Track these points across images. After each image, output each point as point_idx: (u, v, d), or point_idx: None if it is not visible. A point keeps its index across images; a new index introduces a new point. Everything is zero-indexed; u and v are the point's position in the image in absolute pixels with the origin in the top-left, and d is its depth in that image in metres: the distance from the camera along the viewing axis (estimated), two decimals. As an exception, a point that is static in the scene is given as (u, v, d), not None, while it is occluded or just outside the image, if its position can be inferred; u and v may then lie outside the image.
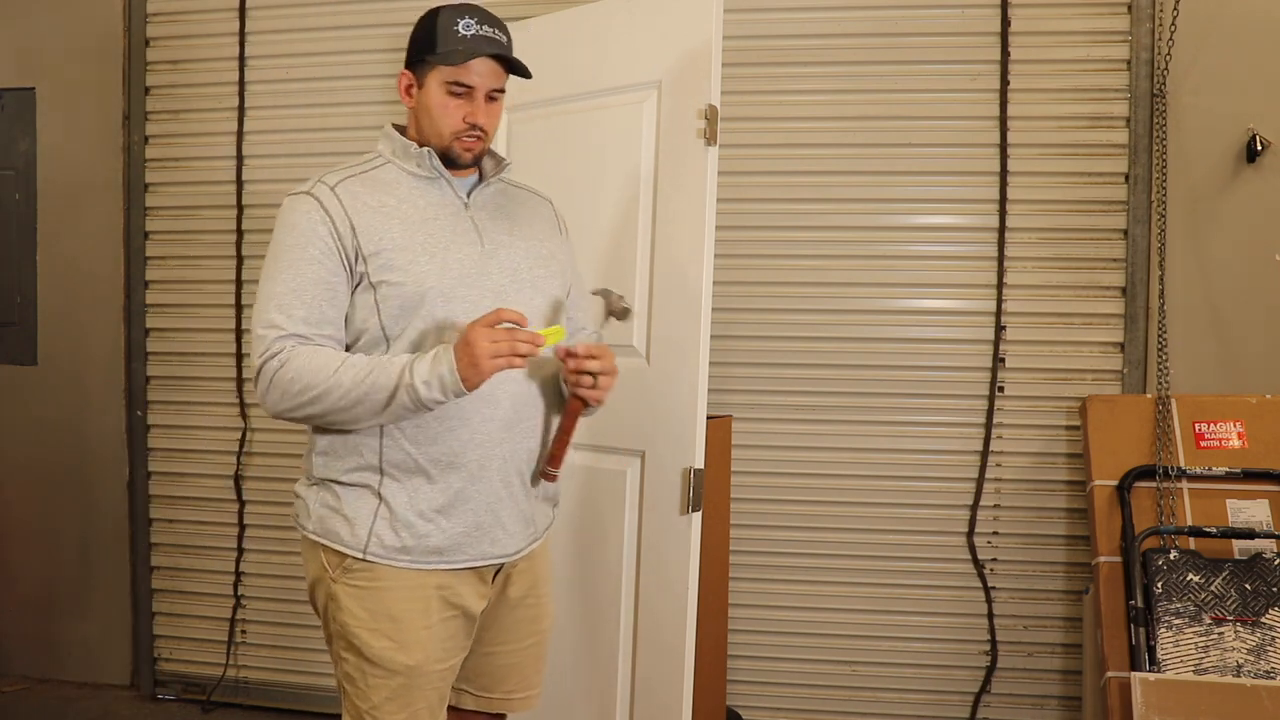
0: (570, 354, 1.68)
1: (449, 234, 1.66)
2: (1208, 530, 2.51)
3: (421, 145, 1.69)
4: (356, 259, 1.60)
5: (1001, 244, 2.89)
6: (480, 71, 1.64)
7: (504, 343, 1.50)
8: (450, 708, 1.79)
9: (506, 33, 1.69)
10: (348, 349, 1.64)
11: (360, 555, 1.62)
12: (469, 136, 1.66)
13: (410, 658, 1.62)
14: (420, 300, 1.60)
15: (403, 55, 1.73)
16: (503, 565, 1.74)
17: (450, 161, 1.68)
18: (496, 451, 1.65)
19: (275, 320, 1.56)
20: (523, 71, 1.70)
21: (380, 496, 1.62)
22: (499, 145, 2.56)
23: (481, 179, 1.76)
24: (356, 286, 1.62)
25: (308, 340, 1.57)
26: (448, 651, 1.67)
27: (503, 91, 1.70)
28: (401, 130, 1.73)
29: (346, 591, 1.64)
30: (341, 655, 1.67)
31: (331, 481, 1.65)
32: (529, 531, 1.75)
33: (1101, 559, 2.57)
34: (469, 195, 1.72)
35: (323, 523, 1.65)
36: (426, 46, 1.66)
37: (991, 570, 2.93)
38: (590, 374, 1.67)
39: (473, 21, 1.63)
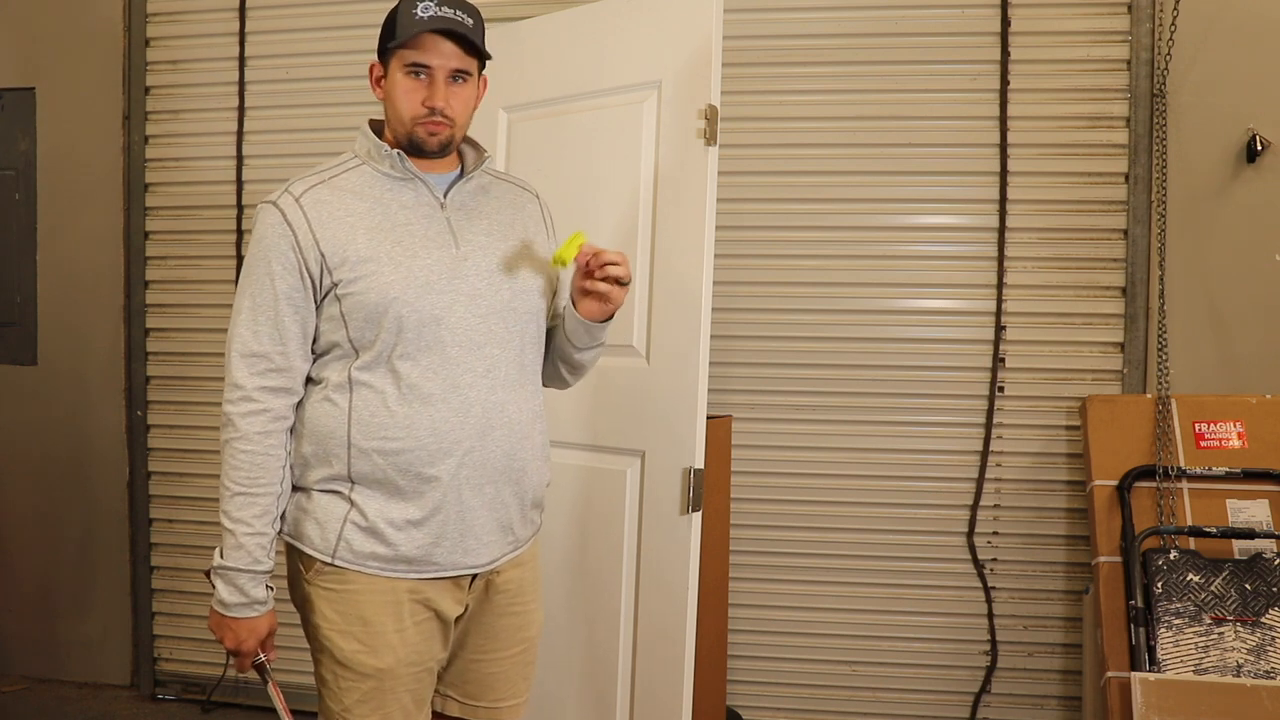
0: (598, 255, 1.64)
1: (420, 238, 1.62)
2: (1208, 530, 2.51)
3: (394, 141, 1.65)
4: (321, 272, 1.58)
5: (1001, 244, 2.89)
6: (439, 51, 1.59)
7: (241, 658, 1.68)
8: (436, 714, 1.77)
9: (474, 15, 1.63)
10: (319, 359, 1.64)
11: (329, 560, 1.61)
12: (431, 121, 1.61)
13: (381, 661, 1.61)
14: (384, 311, 1.57)
15: None
16: (479, 573, 1.71)
17: (419, 150, 1.64)
18: (469, 460, 1.62)
19: (236, 378, 1.64)
20: (481, 52, 1.64)
21: (352, 502, 1.61)
22: (496, 146, 2.56)
23: (463, 173, 1.71)
24: (324, 298, 1.60)
25: (266, 393, 1.62)
26: (421, 655, 1.65)
27: (470, 75, 1.64)
28: (379, 126, 1.69)
29: (318, 594, 1.63)
30: (316, 656, 1.68)
31: (306, 487, 1.64)
32: (508, 540, 1.71)
33: (1101, 559, 2.57)
34: (446, 194, 1.67)
35: (295, 525, 1.65)
36: (388, 34, 1.63)
37: (991, 570, 2.93)
38: (613, 279, 1.65)
39: (431, 4, 1.58)
